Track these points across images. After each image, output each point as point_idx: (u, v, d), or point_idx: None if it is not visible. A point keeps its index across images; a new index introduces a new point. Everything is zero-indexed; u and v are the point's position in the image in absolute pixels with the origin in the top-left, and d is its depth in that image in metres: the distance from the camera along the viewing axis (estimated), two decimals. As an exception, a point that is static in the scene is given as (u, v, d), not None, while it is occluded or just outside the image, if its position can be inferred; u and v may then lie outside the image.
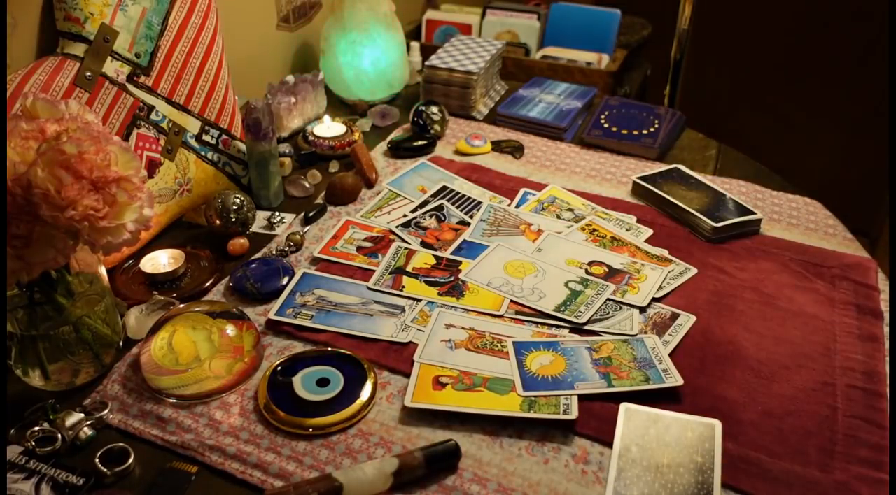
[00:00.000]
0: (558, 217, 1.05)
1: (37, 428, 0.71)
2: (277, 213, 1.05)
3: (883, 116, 2.25)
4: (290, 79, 1.26)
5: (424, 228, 1.02)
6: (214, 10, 1.05)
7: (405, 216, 1.05)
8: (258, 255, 0.97)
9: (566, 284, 0.91)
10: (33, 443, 0.70)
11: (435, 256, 0.96)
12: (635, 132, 1.25)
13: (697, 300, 0.90)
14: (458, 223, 1.03)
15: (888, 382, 0.79)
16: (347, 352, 0.81)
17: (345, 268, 0.95)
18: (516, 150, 1.23)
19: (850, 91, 2.29)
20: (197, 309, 0.82)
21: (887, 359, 0.83)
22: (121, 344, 0.82)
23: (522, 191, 1.11)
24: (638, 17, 2.00)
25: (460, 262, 0.95)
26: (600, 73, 1.66)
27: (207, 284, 0.92)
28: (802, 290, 0.93)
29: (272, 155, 1.06)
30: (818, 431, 0.74)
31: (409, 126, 1.27)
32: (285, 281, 0.91)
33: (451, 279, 0.92)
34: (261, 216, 1.05)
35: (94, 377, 0.79)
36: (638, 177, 1.12)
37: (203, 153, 1.04)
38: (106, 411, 0.74)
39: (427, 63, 1.34)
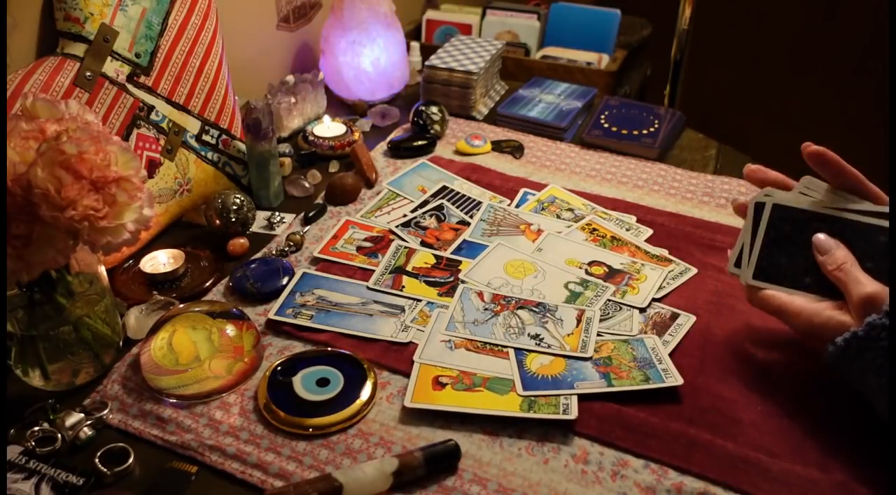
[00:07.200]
0: (558, 217, 1.05)
1: (37, 428, 0.71)
2: (277, 213, 1.05)
3: (883, 116, 2.25)
4: (290, 79, 1.26)
5: (424, 228, 1.02)
6: (214, 11, 1.05)
7: (405, 216, 1.05)
8: (258, 255, 0.97)
9: (566, 285, 0.91)
10: (33, 443, 0.70)
11: (435, 255, 0.96)
12: (635, 132, 1.25)
13: (697, 300, 0.90)
14: (458, 223, 1.03)
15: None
16: (347, 352, 0.81)
17: (345, 268, 0.95)
18: (516, 150, 1.23)
19: (850, 91, 2.30)
20: (197, 309, 0.82)
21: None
22: (121, 344, 0.82)
23: (522, 191, 1.11)
24: (638, 17, 2.01)
25: (460, 262, 0.95)
26: (600, 73, 1.66)
27: (207, 284, 0.92)
28: (802, 290, 0.93)
29: (272, 155, 1.06)
30: (818, 431, 0.74)
31: (409, 126, 1.27)
32: (285, 281, 0.91)
33: (451, 279, 0.92)
34: (261, 216, 1.05)
35: (94, 377, 0.79)
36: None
37: (203, 153, 1.04)
38: (106, 411, 0.74)
39: (427, 63, 1.34)
